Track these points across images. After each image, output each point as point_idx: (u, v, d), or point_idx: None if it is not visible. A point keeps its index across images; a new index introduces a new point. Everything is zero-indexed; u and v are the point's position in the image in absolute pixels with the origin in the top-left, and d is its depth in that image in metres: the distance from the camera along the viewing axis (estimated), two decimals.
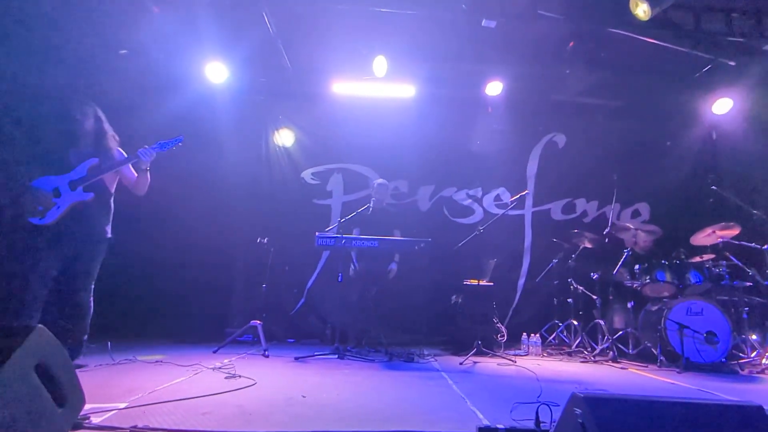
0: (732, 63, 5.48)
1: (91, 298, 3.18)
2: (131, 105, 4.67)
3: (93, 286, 3.19)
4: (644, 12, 4.37)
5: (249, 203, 6.18)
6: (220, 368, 3.69)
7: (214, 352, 4.58)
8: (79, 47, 4.83)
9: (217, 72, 5.70)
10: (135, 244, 5.57)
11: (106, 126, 3.32)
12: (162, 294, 5.67)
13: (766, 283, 4.80)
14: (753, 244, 4.93)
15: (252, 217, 6.10)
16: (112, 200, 3.36)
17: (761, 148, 6.13)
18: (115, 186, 3.38)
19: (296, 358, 4.36)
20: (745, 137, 6.22)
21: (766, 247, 4.80)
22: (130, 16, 4.91)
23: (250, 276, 5.90)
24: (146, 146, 3.33)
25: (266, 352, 4.52)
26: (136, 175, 3.41)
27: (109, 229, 3.29)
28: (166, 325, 5.59)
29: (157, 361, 3.92)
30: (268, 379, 3.37)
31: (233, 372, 3.49)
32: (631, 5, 4.45)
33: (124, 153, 3.38)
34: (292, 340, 5.84)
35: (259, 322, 4.80)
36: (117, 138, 3.38)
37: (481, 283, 5.40)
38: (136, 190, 3.45)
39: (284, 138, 6.61)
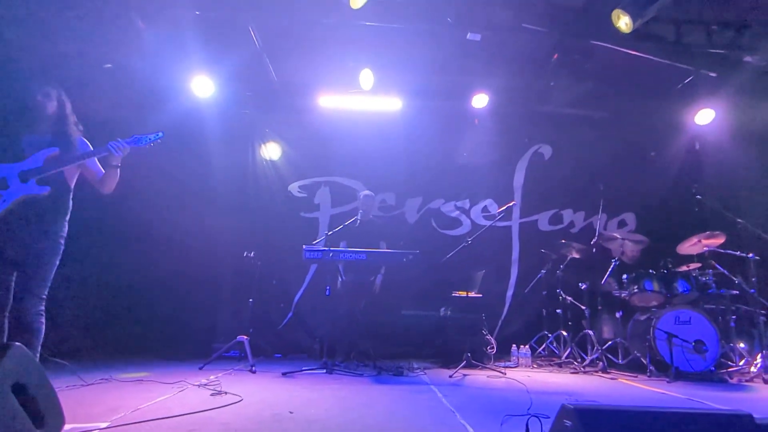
0: (713, 74, 5.59)
1: (43, 318, 2.69)
2: (115, 119, 4.61)
3: (44, 304, 2.71)
4: (626, 24, 4.44)
5: (236, 217, 6.11)
6: (205, 385, 3.62)
7: (200, 368, 4.49)
8: (62, 62, 4.80)
9: (203, 86, 5.67)
10: (119, 259, 5.51)
11: (69, 111, 2.96)
12: (147, 309, 5.57)
13: (752, 291, 4.84)
14: (738, 252, 4.98)
15: (239, 230, 6.02)
16: (70, 198, 2.94)
17: (743, 158, 6.24)
18: (75, 181, 2.98)
19: (284, 374, 4.29)
20: (727, 147, 6.33)
21: (750, 255, 4.85)
22: (114, 31, 4.89)
23: (236, 290, 5.82)
24: (119, 139, 2.94)
25: (253, 368, 4.44)
26: (103, 171, 3.01)
27: (65, 230, 2.86)
28: (150, 341, 5.47)
29: (137, 380, 3.80)
30: (254, 396, 3.31)
31: (219, 389, 3.43)
32: (614, 18, 4.52)
33: (89, 143, 3.00)
34: (279, 355, 5.74)
35: (246, 337, 4.73)
36: (80, 127, 3.02)
37: (470, 294, 5.38)
38: (102, 187, 3.03)
39: (271, 151, 6.58)
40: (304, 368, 4.49)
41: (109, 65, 5.23)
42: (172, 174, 5.75)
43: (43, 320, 2.70)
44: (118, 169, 3.01)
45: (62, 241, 2.84)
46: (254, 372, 4.39)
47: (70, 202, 2.94)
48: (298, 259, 4.67)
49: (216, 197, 6.09)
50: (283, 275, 6.14)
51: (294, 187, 6.53)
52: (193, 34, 5.07)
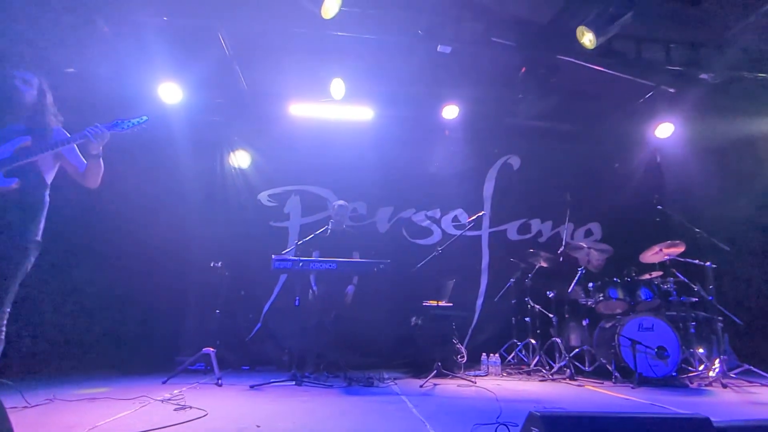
0: (672, 90, 5.84)
1: (3, 329, 2.39)
2: (77, 126, 4.45)
3: (5, 320, 2.41)
4: (590, 41, 4.60)
5: (203, 226, 5.97)
6: (169, 399, 3.50)
7: (164, 382, 4.33)
8: (21, 65, 4.61)
9: (171, 92, 5.56)
10: (77, 269, 5.31)
11: (50, 102, 2.73)
12: (107, 322, 5.37)
13: (710, 298, 5.02)
14: (697, 260, 5.17)
15: (206, 240, 5.88)
16: (47, 194, 2.65)
17: (701, 170, 6.52)
18: (53, 175, 2.72)
19: (251, 386, 4.19)
20: (686, 159, 6.61)
21: (708, 263, 5.03)
22: (78, 35, 4.75)
23: (203, 301, 5.66)
24: (97, 124, 2.69)
25: (219, 381, 4.32)
26: (85, 162, 2.76)
27: (38, 230, 2.56)
28: (111, 355, 5.26)
29: (91, 397, 3.59)
30: (220, 410, 3.22)
31: (183, 403, 3.33)
32: (578, 34, 4.69)
33: (67, 133, 2.74)
34: (247, 368, 5.60)
35: (212, 349, 4.60)
36: (60, 117, 2.79)
37: (440, 304, 5.39)
38: (87, 181, 2.78)
39: (240, 159, 6.49)
40: (272, 380, 4.40)
41: (72, 69, 5.07)
42: (138, 181, 5.60)
43: (3, 337, 2.40)
44: (101, 160, 2.75)
45: (34, 246, 2.52)
46: (220, 385, 4.27)
47: (47, 199, 2.65)
48: (266, 269, 4.59)
49: (183, 206, 5.95)
50: (251, 285, 6.02)
51: (263, 196, 6.45)
52: (161, 39, 4.97)
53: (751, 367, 4.81)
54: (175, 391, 3.81)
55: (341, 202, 5.67)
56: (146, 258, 5.49)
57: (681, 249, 5.22)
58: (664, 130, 6.36)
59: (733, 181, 6.43)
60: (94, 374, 4.78)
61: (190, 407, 3.20)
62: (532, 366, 5.44)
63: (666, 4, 4.81)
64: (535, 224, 6.88)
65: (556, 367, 5.19)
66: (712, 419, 1.73)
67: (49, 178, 2.70)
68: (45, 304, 5.03)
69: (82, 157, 2.78)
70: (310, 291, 5.13)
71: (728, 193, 6.36)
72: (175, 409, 3.17)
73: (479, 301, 6.54)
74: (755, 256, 6.12)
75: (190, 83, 5.66)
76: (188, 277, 5.88)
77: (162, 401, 3.45)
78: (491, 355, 5.45)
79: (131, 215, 5.51)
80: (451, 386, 4.49)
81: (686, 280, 5.29)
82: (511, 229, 6.85)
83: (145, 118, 2.86)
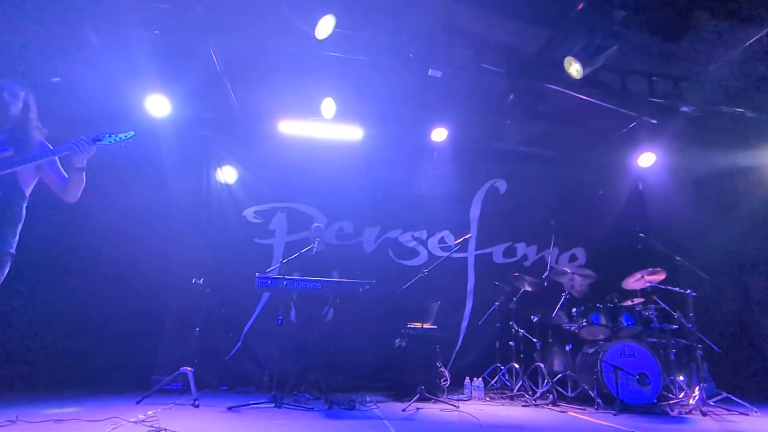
0: (654, 121, 6.00)
1: None
2: (60, 136, 4.38)
3: None
4: (577, 71, 4.73)
5: (186, 241, 5.85)
6: (142, 421, 3.39)
7: (138, 402, 4.19)
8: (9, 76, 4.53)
9: (158, 105, 5.51)
10: (54, 284, 5.16)
11: (33, 116, 2.75)
12: (82, 338, 5.19)
13: (690, 325, 5.08)
14: (677, 288, 5.24)
15: (188, 255, 5.74)
16: (24, 206, 2.65)
17: (681, 199, 6.68)
18: (32, 188, 2.71)
19: (229, 408, 4.08)
20: (667, 188, 6.76)
21: (688, 291, 5.11)
22: (65, 44, 4.71)
23: (182, 319, 5.49)
24: (83, 137, 2.68)
25: (196, 402, 4.19)
26: (66, 176, 2.74)
27: (13, 242, 2.55)
28: (84, 372, 5.08)
29: (57, 419, 3.36)
30: None
31: (158, 425, 3.23)
32: (566, 64, 4.82)
33: (50, 146, 2.76)
34: (225, 388, 5.46)
35: (190, 368, 4.47)
36: (44, 131, 2.80)
37: (425, 326, 5.35)
38: (66, 195, 2.75)
39: (227, 175, 6.43)
40: (251, 402, 4.28)
41: (58, 79, 5.00)
42: (120, 194, 5.50)
43: None
44: (84, 174, 2.74)
45: (7, 258, 2.52)
46: (197, 406, 4.15)
47: (24, 212, 2.64)
48: (249, 287, 4.51)
49: (166, 220, 5.82)
50: (233, 303, 5.89)
51: (249, 213, 6.38)
52: (152, 52, 4.94)
53: (730, 396, 4.86)
54: (150, 412, 3.69)
55: (316, 224, 5.74)
56: (124, 273, 5.35)
57: (662, 276, 5.29)
58: (646, 159, 6.51)
59: (712, 211, 6.60)
60: (64, 393, 4.60)
61: (165, 430, 3.10)
62: (515, 391, 5.41)
63: (649, 39, 4.96)
64: (521, 248, 6.93)
65: (539, 392, 5.17)
66: None
67: (28, 190, 2.69)
68: (15, 320, 4.87)
69: (62, 171, 2.76)
70: (293, 312, 5.05)
71: (708, 222, 6.51)
72: None
73: (464, 324, 6.52)
74: (734, 285, 6.24)
75: (179, 96, 5.62)
76: (168, 293, 5.73)
77: (135, 423, 3.33)
78: (475, 379, 5.40)
79: (110, 228, 5.39)
80: (434, 411, 4.42)
81: (667, 307, 5.35)
82: (497, 253, 6.88)
83: (132, 133, 2.86)
